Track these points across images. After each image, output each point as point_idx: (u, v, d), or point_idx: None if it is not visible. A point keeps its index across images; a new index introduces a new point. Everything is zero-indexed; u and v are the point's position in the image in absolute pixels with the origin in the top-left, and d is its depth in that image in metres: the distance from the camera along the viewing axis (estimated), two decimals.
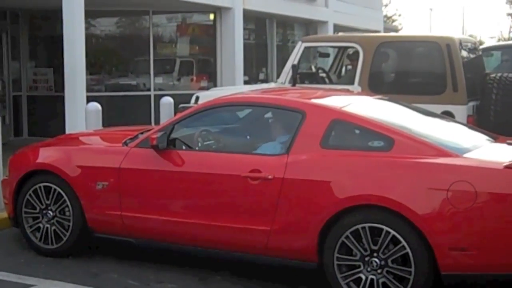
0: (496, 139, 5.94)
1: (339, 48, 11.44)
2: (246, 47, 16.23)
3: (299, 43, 10.27)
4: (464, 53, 9.55)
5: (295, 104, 5.73)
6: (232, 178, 5.53)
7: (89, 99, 10.97)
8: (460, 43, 9.41)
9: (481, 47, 11.49)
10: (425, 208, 4.83)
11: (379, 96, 6.60)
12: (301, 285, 5.61)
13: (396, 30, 35.66)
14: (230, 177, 5.55)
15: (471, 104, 9.14)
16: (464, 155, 5.10)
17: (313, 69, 12.11)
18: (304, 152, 5.32)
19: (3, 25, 14.19)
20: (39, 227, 6.40)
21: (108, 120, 11.48)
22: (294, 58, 9.95)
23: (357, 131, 5.42)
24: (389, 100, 6.46)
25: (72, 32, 11.70)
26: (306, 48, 10.23)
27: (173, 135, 5.91)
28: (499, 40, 58.89)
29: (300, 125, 5.45)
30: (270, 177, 5.32)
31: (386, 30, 25.59)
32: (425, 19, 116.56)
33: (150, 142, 5.81)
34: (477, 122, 8.72)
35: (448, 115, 8.13)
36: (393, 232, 4.90)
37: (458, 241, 4.78)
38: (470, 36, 30.99)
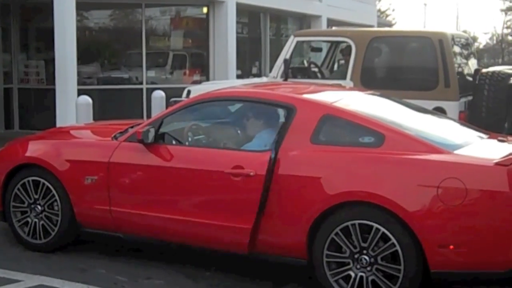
0: (487, 136, 5.91)
1: (332, 42, 11.42)
2: (239, 41, 16.20)
3: (292, 37, 10.25)
4: (457, 49, 9.54)
5: (285, 99, 5.68)
6: (218, 174, 5.49)
7: (81, 92, 10.93)
8: (453, 39, 9.41)
9: None
10: (415, 205, 4.80)
11: (371, 92, 6.58)
12: (291, 282, 5.58)
13: (390, 25, 35.63)
14: (214, 173, 5.52)
15: (463, 100, 9.14)
16: (455, 152, 5.07)
17: (305, 64, 12.08)
18: (294, 148, 5.29)
19: None
20: (27, 222, 6.35)
21: (101, 113, 11.46)
22: (286, 52, 9.93)
23: (347, 127, 5.37)
24: (381, 95, 6.43)
25: (63, 24, 11.67)
26: (298, 42, 10.22)
27: (163, 130, 5.87)
28: (492, 36, 59.06)
29: (290, 120, 5.42)
30: (252, 173, 5.29)
31: (380, 25, 25.58)
32: (419, 14, 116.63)
33: (136, 137, 5.78)
34: (469, 118, 8.72)
35: (439, 111, 8.12)
36: (382, 229, 4.87)
37: (447, 238, 4.74)
38: (464, 31, 31.00)
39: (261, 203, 5.26)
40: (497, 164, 4.79)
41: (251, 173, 5.29)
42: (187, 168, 5.68)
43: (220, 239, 5.47)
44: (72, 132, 7.22)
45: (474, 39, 54.80)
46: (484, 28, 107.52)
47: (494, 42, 58.47)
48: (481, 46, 56.95)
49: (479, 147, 5.43)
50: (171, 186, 5.73)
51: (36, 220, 6.30)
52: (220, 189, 5.49)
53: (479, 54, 39.66)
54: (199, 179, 5.59)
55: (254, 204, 5.24)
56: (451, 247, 4.73)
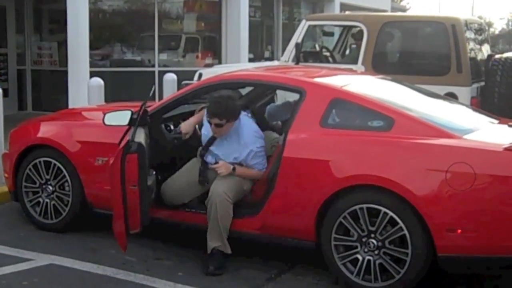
0: (498, 121, 5.90)
1: (344, 27, 11.38)
2: (251, 24, 16.16)
3: (303, 21, 10.21)
4: (470, 34, 9.48)
5: (295, 83, 5.69)
6: None
7: (94, 74, 10.94)
8: (466, 24, 9.35)
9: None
10: (423, 189, 4.81)
11: (381, 76, 6.57)
12: (299, 263, 5.62)
13: (404, 10, 35.43)
14: None
15: (475, 85, 9.09)
16: (464, 137, 5.06)
17: (317, 48, 12.05)
18: (303, 131, 5.30)
19: None
20: (38, 202, 6.42)
21: (113, 95, 11.47)
22: (298, 36, 9.90)
23: (357, 111, 5.38)
24: (391, 80, 6.42)
25: (76, 6, 11.69)
26: (310, 26, 10.18)
27: (171, 113, 5.92)
28: (508, 21, 58.57)
29: (300, 103, 5.43)
30: None
31: (394, 9, 25.44)
32: None
33: None
34: (481, 104, 8.68)
35: (451, 97, 8.10)
36: (390, 214, 4.88)
37: (455, 222, 4.75)
38: (479, 17, 30.81)
39: (270, 185, 5.29)
40: (506, 149, 4.79)
41: None
42: None
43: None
44: (83, 113, 7.27)
45: (490, 24, 54.45)
46: (500, 13, 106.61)
47: (510, 27, 58.04)
48: (496, 32, 56.55)
49: (489, 132, 5.43)
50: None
51: (48, 200, 6.36)
52: None
53: (494, 40, 39.43)
54: None
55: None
56: (459, 231, 4.74)
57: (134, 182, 5.13)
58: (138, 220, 5.23)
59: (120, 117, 5.68)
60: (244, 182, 5.60)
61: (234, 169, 5.56)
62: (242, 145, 5.59)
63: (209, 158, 5.75)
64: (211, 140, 5.72)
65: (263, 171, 5.64)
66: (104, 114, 5.85)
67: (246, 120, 5.69)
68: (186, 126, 5.84)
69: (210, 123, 5.56)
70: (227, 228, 5.43)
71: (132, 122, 5.49)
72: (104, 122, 5.80)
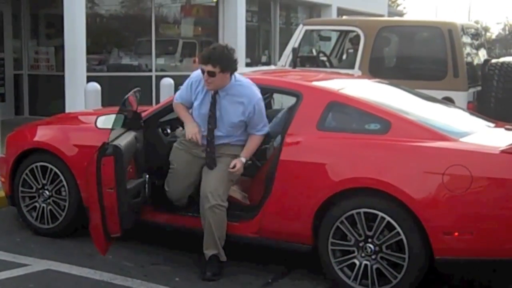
0: (494, 125, 5.91)
1: (341, 32, 11.40)
2: (248, 29, 16.17)
3: (300, 26, 10.23)
4: (467, 39, 9.50)
5: (292, 86, 5.69)
6: None
7: (91, 79, 10.94)
8: (463, 29, 9.37)
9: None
10: (420, 192, 4.81)
11: (378, 80, 6.57)
12: (296, 268, 5.61)
13: (401, 15, 35.47)
14: None
15: (471, 90, 9.11)
16: (461, 139, 5.07)
17: (314, 53, 12.06)
18: (300, 134, 5.30)
19: None
20: (35, 207, 6.40)
21: (110, 100, 11.42)
22: (295, 41, 9.91)
23: (353, 114, 5.38)
24: (388, 83, 6.43)
25: (73, 11, 11.69)
26: (307, 31, 10.20)
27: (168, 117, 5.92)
28: (505, 26, 58.71)
29: (297, 107, 5.42)
30: None
31: (391, 14, 25.47)
32: (431, 4, 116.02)
33: None
34: (478, 109, 8.69)
35: (448, 101, 8.10)
36: (388, 218, 4.87)
37: (452, 225, 4.75)
38: (476, 22, 30.86)
39: (267, 189, 5.29)
40: (503, 151, 4.80)
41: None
42: None
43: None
44: (80, 117, 7.25)
45: (486, 29, 54.54)
46: (496, 18, 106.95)
47: (507, 32, 58.17)
48: (493, 36, 56.67)
49: (486, 135, 5.44)
50: None
51: (44, 205, 6.34)
52: None
53: (491, 44, 39.50)
54: None
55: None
56: (456, 234, 4.74)
57: (111, 185, 5.10)
58: (117, 224, 5.20)
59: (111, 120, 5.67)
60: (231, 174, 5.43)
61: (244, 160, 5.47)
62: (246, 102, 5.36)
63: (218, 132, 5.47)
64: (212, 110, 5.43)
65: (264, 133, 5.54)
66: (96, 118, 5.85)
67: (244, 79, 5.52)
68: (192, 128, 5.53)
69: (203, 72, 5.31)
70: (223, 235, 5.40)
71: (113, 125, 5.43)
72: (96, 125, 5.80)
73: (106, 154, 5.06)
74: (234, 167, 5.37)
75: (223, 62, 5.25)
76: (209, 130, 5.44)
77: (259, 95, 5.41)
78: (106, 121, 5.77)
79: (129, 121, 5.60)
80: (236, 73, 5.42)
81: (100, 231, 5.15)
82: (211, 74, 5.26)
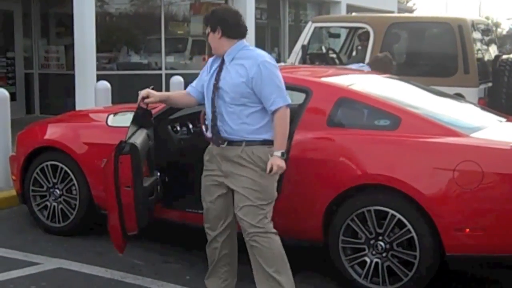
0: (506, 120, 5.88)
1: (350, 28, 11.37)
2: (258, 26, 16.16)
3: (309, 23, 10.22)
4: (477, 35, 9.46)
5: (301, 82, 5.67)
6: None
7: (100, 78, 10.95)
8: (473, 25, 9.33)
9: None
10: (431, 188, 4.78)
11: (388, 75, 6.55)
12: (306, 266, 5.60)
13: (411, 11, 35.37)
14: None
15: (482, 86, 9.07)
16: (472, 135, 5.04)
17: (323, 50, 12.04)
18: (310, 131, 5.28)
19: None
20: (46, 206, 6.42)
21: (119, 99, 11.44)
22: (304, 38, 9.90)
23: (363, 110, 5.37)
24: (398, 79, 6.41)
25: (83, 10, 11.72)
26: (316, 28, 10.18)
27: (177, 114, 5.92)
28: None
29: (306, 103, 5.40)
30: None
31: (400, 10, 25.41)
32: (441, 0, 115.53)
33: None
34: (489, 105, 8.64)
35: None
36: (398, 216, 4.85)
37: (463, 221, 4.73)
38: (486, 18, 30.72)
39: (277, 185, 5.27)
40: None
41: None
42: None
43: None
44: (90, 115, 7.27)
45: (497, 25, 54.27)
46: (507, 14, 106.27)
47: None
48: (503, 32, 56.36)
49: (497, 130, 5.42)
50: None
51: (55, 204, 6.36)
52: None
53: (502, 40, 39.28)
54: None
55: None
56: (467, 230, 4.71)
57: (128, 183, 5.12)
58: (134, 222, 5.21)
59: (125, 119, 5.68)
60: (265, 177, 4.63)
61: (283, 154, 4.56)
62: (249, 63, 4.61)
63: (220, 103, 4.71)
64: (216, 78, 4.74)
65: (277, 106, 4.55)
66: (108, 116, 5.85)
67: (256, 48, 4.84)
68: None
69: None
70: (280, 267, 4.69)
71: (133, 122, 5.44)
72: (107, 123, 5.81)
73: (123, 153, 5.08)
74: (271, 170, 4.56)
75: (211, 21, 4.76)
76: (212, 100, 4.73)
77: (267, 58, 4.63)
78: (117, 119, 5.77)
79: (141, 119, 5.61)
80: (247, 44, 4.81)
81: (118, 230, 5.15)
82: (208, 35, 4.85)
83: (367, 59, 9.40)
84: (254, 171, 4.61)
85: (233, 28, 4.74)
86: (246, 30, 4.82)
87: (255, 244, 4.65)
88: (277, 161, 4.53)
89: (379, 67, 7.24)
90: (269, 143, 4.60)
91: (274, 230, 4.69)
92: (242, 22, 4.80)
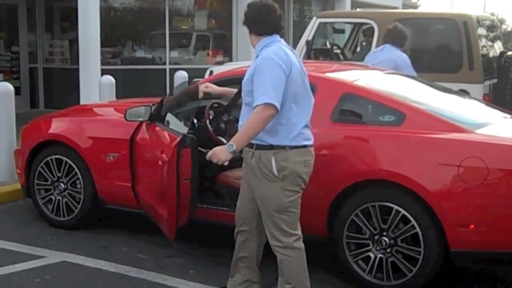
0: (510, 116, 5.86)
1: (354, 24, 11.36)
2: None
3: (314, 18, 10.20)
4: (482, 31, 9.44)
5: None
6: None
7: (105, 72, 10.98)
8: (478, 21, 9.31)
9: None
10: (435, 184, 4.78)
11: (392, 71, 6.54)
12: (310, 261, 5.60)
13: (415, 7, 35.28)
14: None
15: (487, 83, 9.06)
16: (476, 131, 5.03)
17: (328, 45, 12.03)
18: (313, 126, 5.26)
19: None
20: (51, 199, 6.45)
21: (124, 93, 11.50)
22: (308, 33, 9.89)
23: (367, 105, 5.36)
24: (403, 74, 6.39)
25: (87, 4, 11.72)
26: (321, 23, 10.17)
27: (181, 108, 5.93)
28: None
29: None
30: None
31: (405, 6, 25.34)
32: None
33: None
34: (494, 101, 8.64)
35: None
36: (403, 211, 4.85)
37: (468, 217, 4.72)
38: (491, 14, 30.62)
39: None
40: None
41: None
42: None
43: None
44: (95, 109, 7.28)
45: (502, 21, 54.11)
46: None
47: None
48: (508, 29, 56.23)
49: (501, 127, 5.40)
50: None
51: (60, 197, 6.38)
52: None
53: (507, 37, 39.17)
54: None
55: None
56: (471, 226, 4.71)
57: (188, 176, 5.13)
58: (186, 214, 5.22)
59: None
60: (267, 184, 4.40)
61: (231, 147, 4.23)
62: (255, 63, 4.46)
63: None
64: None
65: (257, 104, 4.23)
66: (126, 110, 5.86)
67: (278, 45, 4.56)
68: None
69: None
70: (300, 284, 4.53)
71: (152, 118, 5.51)
72: (126, 118, 5.84)
73: (185, 146, 5.09)
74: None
75: (244, 17, 4.71)
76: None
77: (270, 55, 4.37)
78: (135, 113, 5.81)
79: (153, 113, 5.65)
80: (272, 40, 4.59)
81: (174, 221, 5.16)
82: None
83: None
84: (259, 178, 4.40)
85: (257, 25, 4.59)
86: (274, 26, 4.58)
87: (277, 255, 4.50)
88: (220, 153, 4.26)
89: (392, 38, 7.56)
90: (276, 148, 4.34)
91: (297, 245, 4.46)
92: (268, 18, 4.56)
